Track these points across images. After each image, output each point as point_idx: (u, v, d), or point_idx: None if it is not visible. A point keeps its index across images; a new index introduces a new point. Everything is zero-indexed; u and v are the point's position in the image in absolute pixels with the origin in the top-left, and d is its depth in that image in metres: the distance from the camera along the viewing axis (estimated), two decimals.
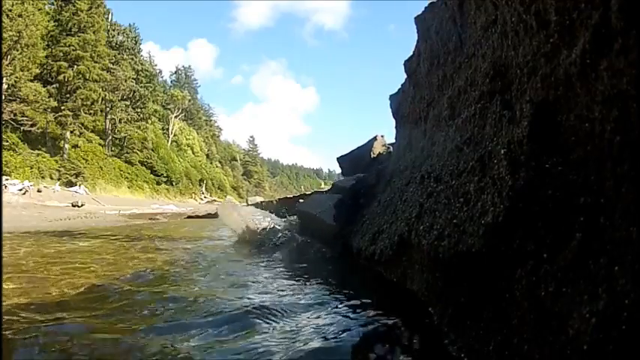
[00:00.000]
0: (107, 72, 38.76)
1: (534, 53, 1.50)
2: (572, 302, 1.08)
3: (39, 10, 31.87)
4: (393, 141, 5.69)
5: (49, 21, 34.42)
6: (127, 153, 43.47)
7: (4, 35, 25.78)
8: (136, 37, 51.47)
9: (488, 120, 1.89)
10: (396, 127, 5.01)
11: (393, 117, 5.05)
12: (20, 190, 23.31)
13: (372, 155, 6.10)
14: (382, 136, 6.28)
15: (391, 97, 5.11)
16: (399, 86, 4.79)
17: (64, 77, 34.23)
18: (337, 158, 6.81)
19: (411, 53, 4.07)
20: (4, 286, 3.10)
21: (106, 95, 38.71)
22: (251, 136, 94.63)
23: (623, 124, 1.01)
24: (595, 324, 0.97)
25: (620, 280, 0.94)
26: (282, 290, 3.13)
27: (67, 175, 32.28)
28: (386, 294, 2.88)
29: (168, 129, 58.42)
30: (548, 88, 1.38)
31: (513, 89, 1.69)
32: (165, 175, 47.98)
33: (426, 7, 3.55)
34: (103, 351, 1.85)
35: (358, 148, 6.43)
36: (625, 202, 0.98)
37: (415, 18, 3.80)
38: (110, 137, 42.54)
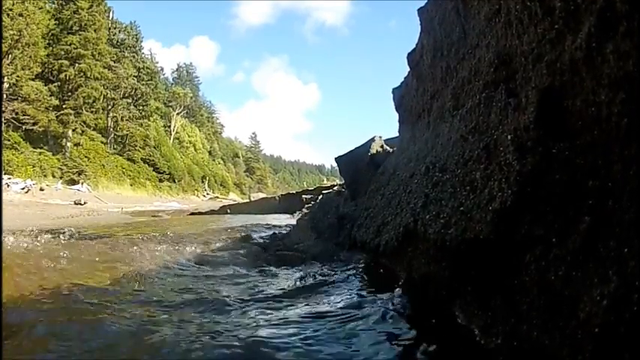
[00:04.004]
0: (108, 70, 38.82)
1: (539, 40, 1.50)
2: (583, 285, 1.08)
3: (39, 8, 31.86)
4: (392, 136, 5.68)
5: (49, 19, 34.43)
6: (129, 151, 43.51)
7: (5, 34, 25.79)
8: (137, 35, 51.47)
9: (493, 109, 1.89)
10: (399, 121, 4.98)
11: (396, 110, 5.02)
12: (22, 188, 23.42)
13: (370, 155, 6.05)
14: (380, 137, 6.23)
15: (394, 90, 5.07)
16: (402, 80, 4.77)
17: (66, 76, 34.26)
18: (335, 158, 6.75)
19: (414, 46, 4.05)
20: (5, 285, 3.08)
21: (107, 93, 38.82)
22: (253, 133, 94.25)
23: (629, 106, 1.01)
24: (606, 306, 0.98)
25: (630, 262, 0.95)
26: None
27: (70, 174, 32.35)
28: None
29: (170, 126, 58.53)
30: (553, 74, 1.38)
31: (518, 77, 1.69)
32: (167, 172, 48.05)
33: None
34: (105, 351, 1.82)
35: (357, 148, 6.36)
36: (633, 185, 0.99)
37: (418, 10, 3.77)
38: (112, 135, 42.60)
